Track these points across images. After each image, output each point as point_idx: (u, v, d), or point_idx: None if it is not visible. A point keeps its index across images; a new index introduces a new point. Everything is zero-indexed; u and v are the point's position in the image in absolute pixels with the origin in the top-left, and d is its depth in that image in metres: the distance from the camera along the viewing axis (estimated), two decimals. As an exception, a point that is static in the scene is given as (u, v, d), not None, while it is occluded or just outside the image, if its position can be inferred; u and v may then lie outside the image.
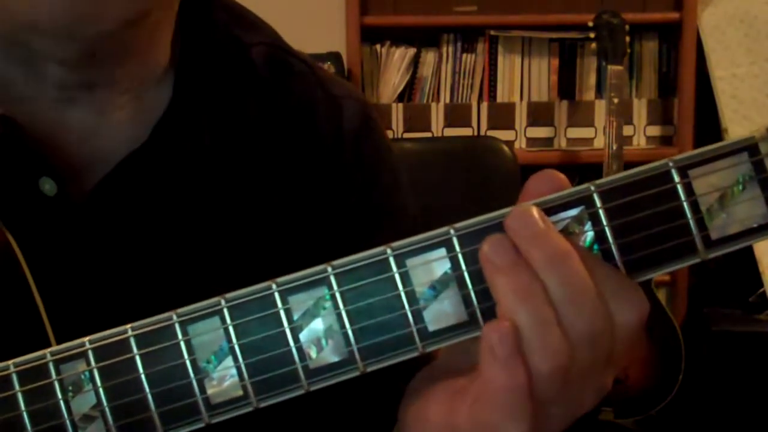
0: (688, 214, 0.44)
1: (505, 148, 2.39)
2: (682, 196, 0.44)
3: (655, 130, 2.61)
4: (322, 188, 0.72)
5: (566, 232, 0.45)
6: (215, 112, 0.68)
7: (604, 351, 0.45)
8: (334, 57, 2.44)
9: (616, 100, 2.35)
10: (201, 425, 0.48)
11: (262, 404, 0.48)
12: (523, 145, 2.59)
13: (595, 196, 0.45)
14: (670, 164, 0.44)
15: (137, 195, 0.64)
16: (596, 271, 0.45)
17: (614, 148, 2.36)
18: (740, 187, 0.44)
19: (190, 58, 0.68)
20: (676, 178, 0.44)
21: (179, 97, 0.66)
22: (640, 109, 2.60)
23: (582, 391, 0.47)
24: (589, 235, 0.45)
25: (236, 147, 0.69)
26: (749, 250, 2.44)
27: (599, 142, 2.57)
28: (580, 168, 2.54)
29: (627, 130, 2.51)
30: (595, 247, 0.45)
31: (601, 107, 2.55)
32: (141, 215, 0.64)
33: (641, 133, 2.61)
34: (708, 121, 2.53)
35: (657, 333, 2.42)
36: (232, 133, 0.69)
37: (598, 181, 0.45)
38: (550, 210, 0.45)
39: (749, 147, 0.44)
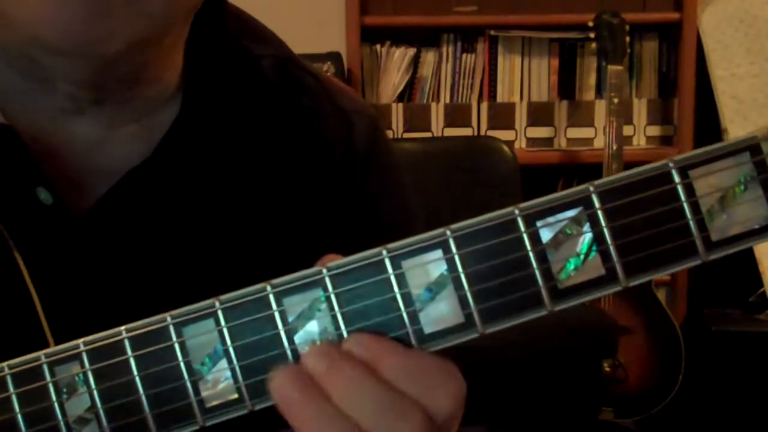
0: (689, 215, 0.43)
1: (505, 148, 2.39)
2: (683, 197, 0.43)
3: (655, 130, 2.61)
4: (331, 203, 0.72)
5: (563, 233, 0.45)
6: (223, 127, 0.68)
7: None
8: (334, 57, 2.44)
9: (616, 100, 2.35)
10: (195, 428, 0.48)
11: (258, 407, 0.47)
12: (523, 145, 2.59)
13: (594, 197, 0.44)
14: (671, 164, 0.43)
15: (140, 209, 0.64)
16: (400, 371, 0.46)
17: (614, 148, 2.36)
18: (742, 188, 0.43)
19: (200, 70, 0.67)
20: (677, 179, 0.43)
21: (187, 111, 0.66)
22: (640, 109, 2.60)
23: None
24: (588, 236, 0.44)
25: (243, 161, 0.68)
26: (749, 251, 2.44)
27: (599, 142, 2.57)
28: (580, 168, 2.54)
29: (627, 130, 2.52)
30: (594, 248, 0.45)
31: (601, 107, 2.55)
32: (143, 228, 0.64)
33: (641, 133, 2.61)
34: (708, 121, 2.53)
35: (657, 333, 2.42)
36: (240, 147, 0.68)
37: (597, 182, 0.45)
38: (547, 211, 0.45)
39: (751, 147, 0.43)
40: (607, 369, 2.38)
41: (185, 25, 0.64)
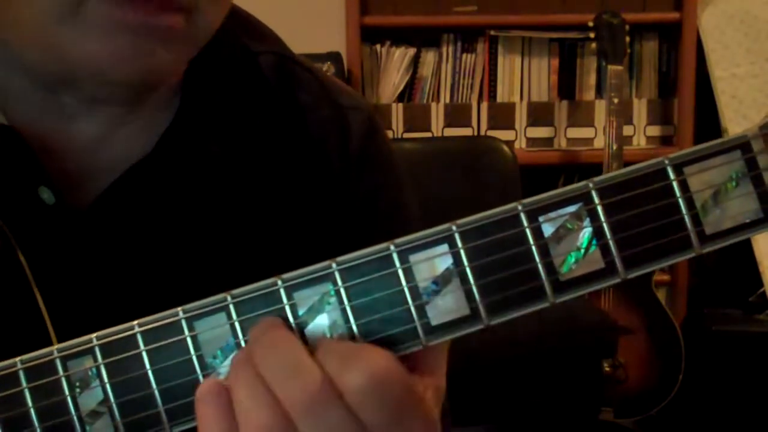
0: (684, 210, 0.45)
1: (505, 148, 2.39)
2: (678, 193, 0.45)
3: (655, 130, 2.62)
4: (328, 197, 0.72)
5: (564, 228, 0.46)
6: (222, 122, 0.68)
7: (339, 418, 0.44)
8: (334, 57, 2.44)
9: (616, 100, 2.36)
10: (207, 420, 0.49)
11: (268, 398, 0.48)
12: (523, 145, 2.60)
13: (593, 193, 0.46)
14: (666, 162, 0.45)
15: (140, 204, 0.64)
16: (318, 347, 0.46)
17: (614, 148, 2.36)
18: (733, 184, 0.45)
19: (198, 67, 0.67)
20: (672, 175, 0.45)
21: (186, 107, 0.66)
22: (640, 109, 2.61)
23: None
24: (588, 230, 0.46)
25: (242, 156, 0.69)
26: (749, 251, 2.45)
27: (599, 142, 2.58)
28: (580, 168, 2.55)
29: (627, 130, 2.52)
30: (594, 242, 0.46)
31: (601, 107, 2.56)
32: (144, 224, 0.65)
33: (641, 133, 2.61)
34: (708, 121, 2.54)
35: (657, 333, 2.43)
36: (238, 142, 0.69)
37: (596, 179, 0.46)
38: (549, 207, 0.46)
39: (742, 145, 0.45)
40: (607, 369, 2.38)
41: None
